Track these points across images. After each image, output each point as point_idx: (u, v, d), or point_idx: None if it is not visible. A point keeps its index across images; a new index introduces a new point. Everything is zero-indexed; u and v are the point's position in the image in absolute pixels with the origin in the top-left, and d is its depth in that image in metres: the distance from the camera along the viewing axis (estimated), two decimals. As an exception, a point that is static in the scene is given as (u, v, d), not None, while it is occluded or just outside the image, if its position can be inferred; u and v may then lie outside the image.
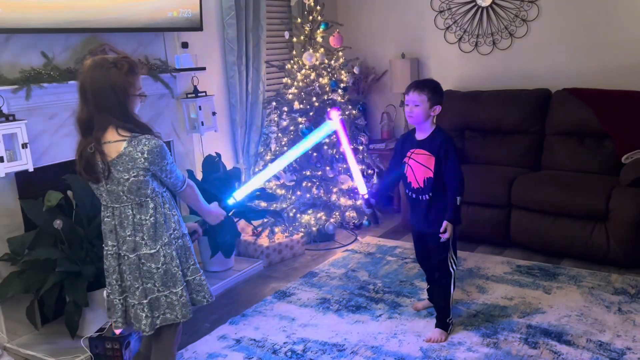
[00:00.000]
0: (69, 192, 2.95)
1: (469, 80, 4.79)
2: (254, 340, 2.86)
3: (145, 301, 2.04)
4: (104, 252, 2.10)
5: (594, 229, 3.50)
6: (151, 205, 2.00)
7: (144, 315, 2.04)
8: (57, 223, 2.74)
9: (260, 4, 4.16)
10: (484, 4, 4.63)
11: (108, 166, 1.91)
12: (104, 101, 1.89)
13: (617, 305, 2.98)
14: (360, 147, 4.26)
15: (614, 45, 4.17)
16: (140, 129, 1.95)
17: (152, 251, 2.01)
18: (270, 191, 4.06)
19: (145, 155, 1.91)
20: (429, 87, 2.64)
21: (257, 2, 4.14)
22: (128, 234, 2.01)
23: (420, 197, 2.72)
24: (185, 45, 3.61)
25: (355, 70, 4.35)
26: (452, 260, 2.75)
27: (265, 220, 3.94)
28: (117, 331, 2.66)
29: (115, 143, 1.91)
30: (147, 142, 1.92)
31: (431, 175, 2.65)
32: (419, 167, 2.68)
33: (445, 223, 2.61)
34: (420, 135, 2.72)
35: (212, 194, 3.18)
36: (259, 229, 3.98)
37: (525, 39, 4.52)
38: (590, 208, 3.49)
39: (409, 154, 2.73)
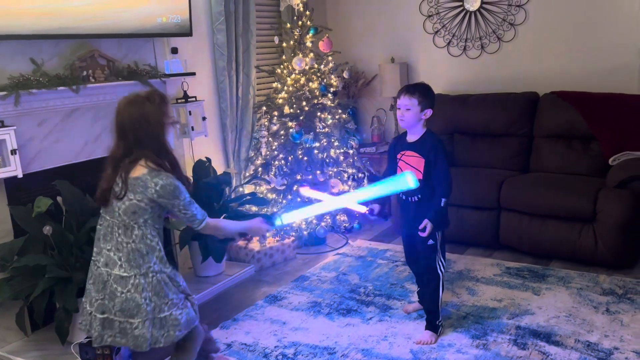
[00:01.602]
0: (59, 198, 2.94)
1: (457, 84, 4.83)
2: (245, 344, 2.87)
3: (100, 315, 2.07)
4: (92, 260, 2.16)
5: (581, 230, 3.53)
6: (136, 232, 2.04)
7: (94, 327, 2.09)
8: (47, 229, 2.74)
9: (249, 10, 4.18)
10: (472, 9, 4.67)
11: (126, 185, 2.00)
12: (142, 135, 2.01)
13: (605, 306, 3.01)
14: (351, 151, 4.28)
15: (601, 48, 4.22)
16: (170, 163, 2.06)
17: (124, 275, 2.04)
18: (261, 195, 4.07)
19: (157, 188, 2.00)
20: (420, 91, 2.67)
21: (246, 8, 4.16)
22: (108, 247, 2.06)
23: (410, 198, 2.75)
24: (174, 50, 3.63)
25: (345, 74, 4.38)
26: (440, 263, 2.77)
27: (256, 224, 3.94)
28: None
29: (139, 167, 2.02)
30: (164, 178, 2.01)
31: (420, 177, 2.68)
32: (409, 169, 2.71)
33: (425, 221, 2.63)
34: (411, 138, 2.75)
35: (203, 198, 3.19)
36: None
37: (513, 42, 4.56)
38: (578, 210, 3.53)
39: (399, 155, 2.77)
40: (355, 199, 2.64)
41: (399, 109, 2.70)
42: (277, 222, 2.44)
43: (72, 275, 2.75)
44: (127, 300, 2.03)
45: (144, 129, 2.01)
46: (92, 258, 2.13)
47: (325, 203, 2.69)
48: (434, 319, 2.80)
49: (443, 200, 2.63)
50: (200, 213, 2.15)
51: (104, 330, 2.07)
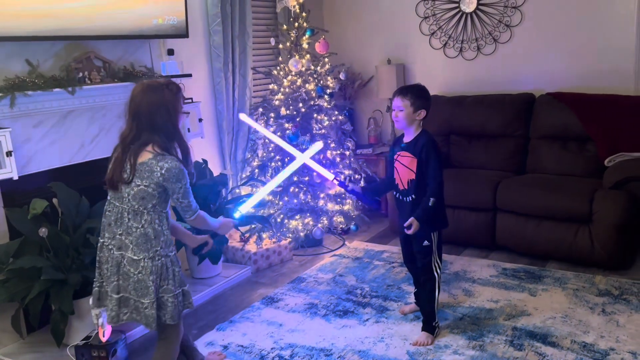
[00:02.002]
0: (55, 200, 2.94)
1: (454, 85, 4.83)
2: (242, 346, 2.86)
3: (115, 295, 2.16)
4: (99, 243, 2.22)
5: (577, 231, 3.54)
6: (145, 217, 2.12)
7: (110, 306, 2.18)
8: (42, 231, 2.73)
9: (246, 11, 4.18)
10: (468, 10, 4.68)
11: (134, 170, 2.07)
12: (158, 120, 2.07)
13: (601, 307, 3.02)
14: (347, 153, 4.28)
15: (597, 50, 4.23)
16: (181, 149, 2.14)
17: (135, 257, 2.13)
18: (258, 197, 4.06)
19: (163, 172, 2.06)
20: (412, 92, 2.69)
21: (243, 9, 4.16)
22: (120, 232, 2.14)
23: (405, 198, 2.76)
24: (171, 52, 3.62)
25: (342, 76, 4.38)
26: (436, 264, 2.78)
27: (253, 226, 3.94)
28: (104, 339, 2.67)
29: (146, 152, 2.08)
30: (169, 161, 2.08)
31: (414, 177, 2.70)
32: (404, 169, 2.74)
33: (411, 219, 2.64)
34: (406, 138, 2.77)
35: (200, 200, 3.18)
36: (247, 235, 3.98)
37: (509, 44, 4.57)
38: (574, 211, 3.54)
39: (396, 156, 2.80)
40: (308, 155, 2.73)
41: (393, 110, 2.74)
42: (236, 215, 2.57)
43: (68, 277, 2.75)
44: (138, 281, 2.13)
45: (161, 115, 2.07)
46: (104, 242, 2.19)
47: (273, 181, 2.79)
48: (430, 320, 2.81)
49: (432, 199, 2.64)
50: (194, 204, 2.22)
51: (120, 309, 2.17)
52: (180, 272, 2.27)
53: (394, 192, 2.85)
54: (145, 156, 2.07)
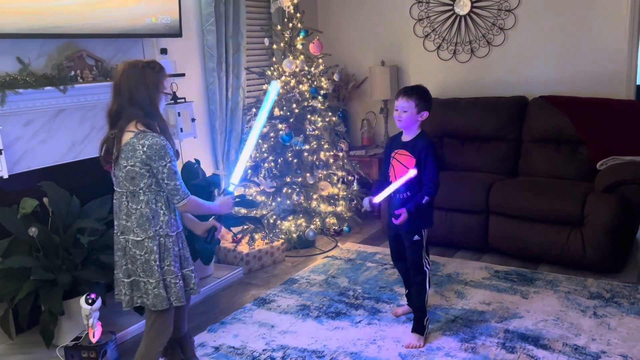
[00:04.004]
0: (45, 199, 2.91)
1: (447, 88, 4.84)
2: (233, 348, 2.85)
3: (127, 280, 2.21)
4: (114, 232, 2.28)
5: (570, 234, 3.55)
6: (142, 198, 2.14)
7: (124, 292, 2.22)
8: (32, 231, 2.70)
9: (240, 11, 4.17)
10: (462, 13, 4.69)
11: (118, 152, 2.12)
12: (136, 96, 2.12)
13: (592, 310, 3.03)
14: (341, 154, 4.28)
15: (590, 53, 4.25)
16: (160, 126, 2.16)
17: (138, 239, 2.16)
18: (250, 198, 4.05)
19: (145, 149, 2.07)
20: (417, 94, 2.73)
21: (237, 9, 4.15)
22: (122, 217, 2.18)
23: (398, 195, 2.78)
24: (164, 51, 3.60)
25: (335, 77, 4.38)
26: (425, 260, 2.82)
27: (245, 227, 3.92)
28: (94, 340, 2.65)
29: (128, 133, 2.11)
30: (150, 138, 2.09)
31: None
32: (400, 167, 2.78)
33: (403, 209, 2.68)
34: (405, 137, 2.82)
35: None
36: (239, 235, 3.96)
37: (503, 47, 4.59)
38: (566, 214, 3.55)
39: (393, 154, 2.83)
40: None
41: (397, 110, 2.76)
42: (231, 188, 2.49)
43: (58, 278, 2.72)
44: (145, 262, 2.17)
45: (140, 91, 2.12)
46: (114, 229, 2.25)
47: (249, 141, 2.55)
48: (421, 316, 2.81)
49: (426, 198, 2.69)
50: (183, 188, 2.18)
51: (132, 292, 2.22)
52: (185, 253, 2.28)
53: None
54: (128, 136, 2.11)
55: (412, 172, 2.64)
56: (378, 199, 2.74)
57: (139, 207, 2.14)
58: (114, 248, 2.25)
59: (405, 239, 2.82)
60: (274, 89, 2.50)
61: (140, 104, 2.13)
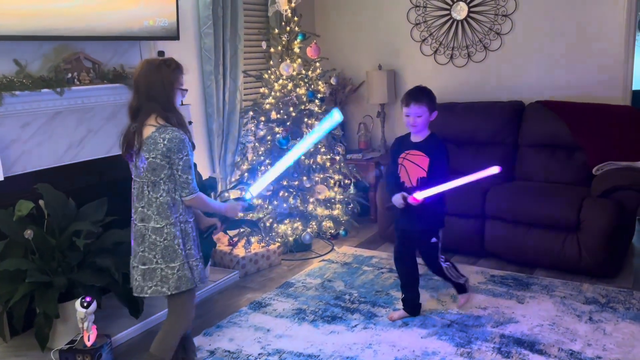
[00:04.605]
0: (41, 202, 2.90)
1: (444, 92, 4.84)
2: (229, 351, 2.84)
3: (142, 266, 2.28)
4: (131, 221, 2.37)
5: (565, 239, 3.56)
6: (162, 187, 2.25)
7: (135, 277, 2.31)
8: (28, 233, 2.69)
9: (237, 14, 4.17)
10: (459, 17, 4.71)
11: (140, 144, 2.23)
12: (153, 92, 2.23)
13: (588, 315, 3.03)
14: (337, 157, 4.28)
15: (586, 59, 4.27)
16: (177, 120, 2.27)
17: (158, 226, 2.26)
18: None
19: (165, 142, 2.19)
20: (427, 97, 2.84)
21: (234, 12, 4.15)
22: (142, 205, 2.28)
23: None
24: (161, 54, 3.59)
25: (333, 81, 4.38)
26: (440, 256, 3.01)
27: (242, 230, 3.92)
28: (89, 343, 2.64)
29: (149, 126, 2.23)
30: (170, 132, 2.21)
31: (424, 175, 2.83)
32: (413, 167, 2.85)
33: (413, 196, 2.74)
34: (416, 138, 2.89)
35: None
36: (235, 239, 3.96)
37: (499, 51, 4.60)
38: (562, 219, 3.55)
39: (403, 155, 2.90)
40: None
41: (408, 116, 2.83)
42: (248, 196, 2.57)
43: (53, 280, 2.71)
44: (165, 247, 2.26)
45: (156, 87, 2.23)
46: (132, 218, 2.34)
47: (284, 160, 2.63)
48: (460, 286, 3.11)
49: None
50: (194, 183, 2.29)
51: (144, 282, 2.29)
52: (198, 240, 2.40)
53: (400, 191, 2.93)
54: (149, 130, 2.22)
55: (495, 169, 2.71)
56: (421, 195, 2.75)
57: (159, 195, 2.25)
58: (131, 236, 2.35)
59: (422, 240, 2.96)
60: (335, 119, 2.55)
61: (157, 100, 2.24)
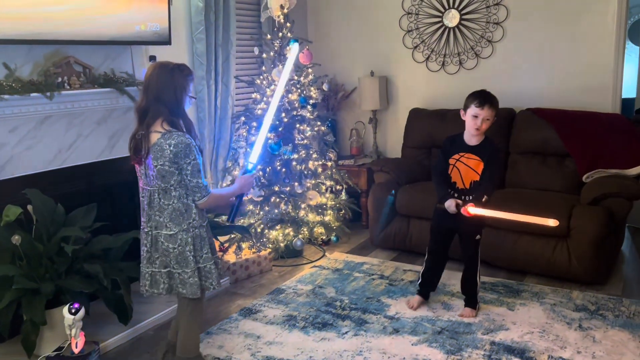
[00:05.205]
0: (29, 207, 2.87)
1: (435, 99, 4.87)
2: (218, 358, 2.82)
3: (164, 270, 2.35)
4: (141, 229, 2.41)
5: (555, 246, 3.57)
6: (174, 194, 2.27)
7: (162, 280, 2.36)
8: (15, 239, 2.66)
9: (230, 20, 4.17)
10: (451, 25, 4.73)
11: (147, 150, 2.24)
12: (163, 95, 2.24)
13: (577, 322, 3.04)
14: (329, 163, 4.28)
15: (576, 67, 4.30)
16: (184, 123, 2.29)
17: (171, 233, 2.30)
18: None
19: (172, 148, 2.20)
20: (496, 103, 2.94)
21: (227, 18, 4.15)
22: (154, 213, 2.31)
23: (463, 197, 2.98)
24: (153, 58, 3.59)
25: (325, 87, 4.38)
26: (479, 256, 3.13)
27: (232, 235, 3.90)
28: (77, 350, 2.61)
29: (155, 133, 2.24)
30: (176, 137, 2.21)
31: (477, 178, 2.96)
32: (468, 171, 2.96)
33: (467, 210, 2.87)
34: (471, 141, 2.99)
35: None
36: (226, 244, 3.94)
37: (491, 59, 4.62)
38: (553, 226, 3.55)
39: (456, 156, 3.00)
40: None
41: (477, 117, 2.89)
42: (250, 167, 2.64)
43: (41, 287, 2.68)
44: (179, 254, 2.31)
45: (167, 90, 2.24)
46: (142, 226, 2.37)
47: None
48: (474, 299, 3.17)
49: (485, 197, 2.91)
50: (205, 184, 2.31)
51: (171, 281, 2.36)
52: (212, 241, 2.46)
53: (450, 191, 3.03)
54: (155, 137, 2.23)
55: (552, 222, 2.75)
56: (474, 211, 2.86)
57: (171, 202, 2.28)
58: (141, 243, 2.38)
59: (468, 236, 3.10)
60: (295, 49, 2.74)
61: (166, 103, 2.25)
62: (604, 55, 4.19)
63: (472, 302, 3.18)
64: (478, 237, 3.10)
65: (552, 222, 2.72)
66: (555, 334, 2.92)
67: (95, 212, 3.06)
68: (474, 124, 2.90)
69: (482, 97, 2.90)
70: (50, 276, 2.77)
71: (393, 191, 3.09)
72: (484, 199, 2.90)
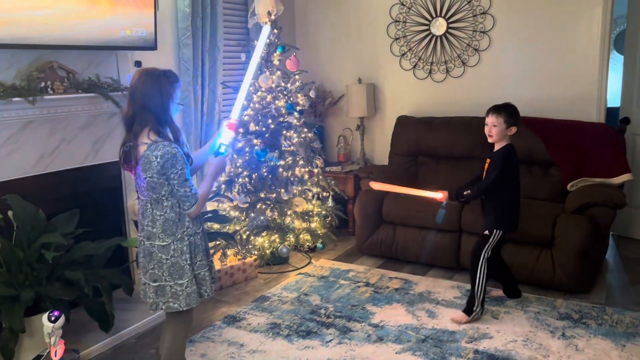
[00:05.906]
0: (10, 213, 2.83)
1: (422, 107, 4.88)
2: (201, 367, 2.79)
3: (153, 284, 2.30)
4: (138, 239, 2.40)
5: (540, 254, 3.58)
6: (166, 204, 2.25)
7: (149, 294, 2.32)
8: (-5, 245, 2.63)
9: (217, 26, 4.16)
10: (438, 33, 4.75)
11: (137, 161, 2.22)
12: (150, 102, 2.20)
13: (561, 330, 3.05)
14: (316, 170, 4.27)
15: (562, 76, 4.33)
16: (172, 131, 2.26)
17: (164, 243, 2.26)
18: (224, 213, 4.01)
19: (158, 159, 2.16)
20: (506, 110, 3.07)
21: (214, 24, 4.14)
22: (146, 223, 2.28)
23: (482, 197, 3.20)
24: (138, 64, 3.56)
25: (312, 93, 4.38)
26: (484, 257, 3.13)
27: (218, 242, 3.87)
28: (56, 358, 2.57)
29: (142, 145, 2.20)
30: (162, 147, 2.17)
31: None
32: (485, 172, 3.17)
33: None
34: (494, 147, 3.17)
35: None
36: (211, 251, 3.90)
37: (477, 67, 4.65)
38: (537, 234, 3.58)
39: (488, 160, 3.18)
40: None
41: (487, 125, 3.10)
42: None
43: (20, 294, 2.64)
44: (172, 265, 2.27)
45: (154, 98, 2.20)
46: (138, 235, 2.36)
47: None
48: (472, 303, 3.15)
49: (468, 192, 3.14)
50: (193, 190, 2.26)
51: (158, 298, 2.30)
52: (207, 246, 2.43)
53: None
54: (142, 149, 2.20)
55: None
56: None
57: (163, 212, 2.25)
58: (139, 254, 2.35)
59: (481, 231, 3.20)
60: (266, 31, 2.81)
61: (152, 111, 2.21)
62: (589, 65, 4.23)
63: (467, 306, 3.19)
64: (486, 232, 3.16)
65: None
66: (539, 342, 2.93)
67: (78, 218, 3.03)
68: (486, 130, 3.12)
69: (490, 107, 3.12)
70: (30, 283, 2.73)
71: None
72: (465, 193, 3.15)
